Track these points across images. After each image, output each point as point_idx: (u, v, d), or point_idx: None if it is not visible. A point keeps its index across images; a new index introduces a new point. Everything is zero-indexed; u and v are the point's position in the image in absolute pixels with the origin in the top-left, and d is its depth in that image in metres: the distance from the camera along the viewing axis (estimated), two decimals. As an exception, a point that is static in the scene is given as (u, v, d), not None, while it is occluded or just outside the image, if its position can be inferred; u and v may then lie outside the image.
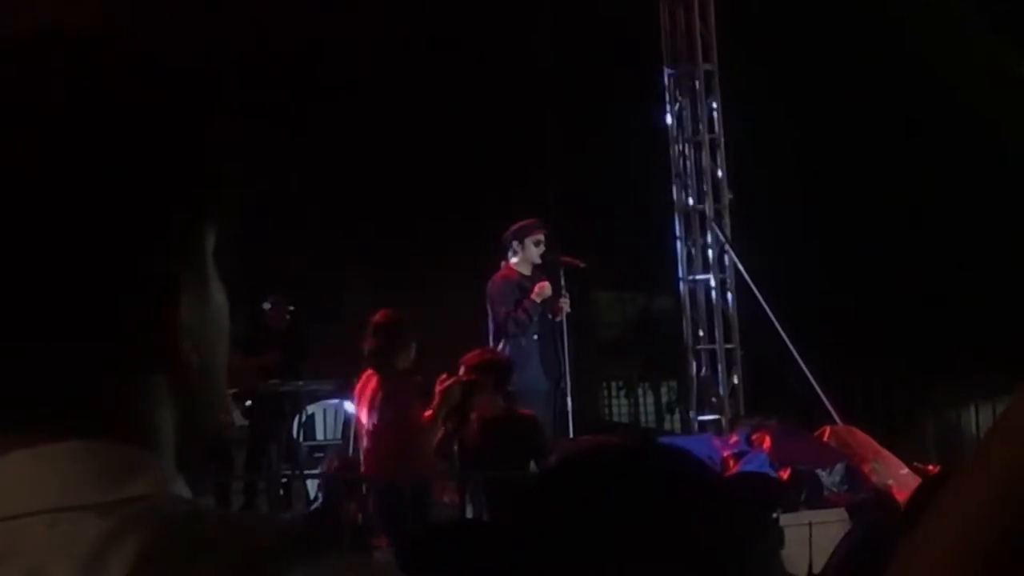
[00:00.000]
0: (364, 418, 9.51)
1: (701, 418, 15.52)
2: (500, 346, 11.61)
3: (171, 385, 1.24)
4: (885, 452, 13.55)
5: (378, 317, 9.66)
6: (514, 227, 12.04)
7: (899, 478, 13.23)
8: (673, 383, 18.72)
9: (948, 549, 1.21)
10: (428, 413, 9.33)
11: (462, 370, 9.80)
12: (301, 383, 13.57)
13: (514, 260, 11.94)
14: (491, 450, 9.39)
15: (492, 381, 9.76)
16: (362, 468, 9.78)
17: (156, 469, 1.19)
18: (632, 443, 1.64)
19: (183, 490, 1.21)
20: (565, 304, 12.11)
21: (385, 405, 9.30)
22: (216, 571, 1.11)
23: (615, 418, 19.96)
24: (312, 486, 12.95)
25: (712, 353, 15.65)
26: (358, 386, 9.66)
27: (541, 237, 11.98)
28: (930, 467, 14.12)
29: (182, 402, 1.25)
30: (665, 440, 13.86)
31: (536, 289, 11.73)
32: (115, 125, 1.19)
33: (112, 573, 1.11)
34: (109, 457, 1.17)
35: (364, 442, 9.63)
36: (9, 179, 1.16)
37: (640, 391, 20.32)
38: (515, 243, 11.95)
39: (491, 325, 11.87)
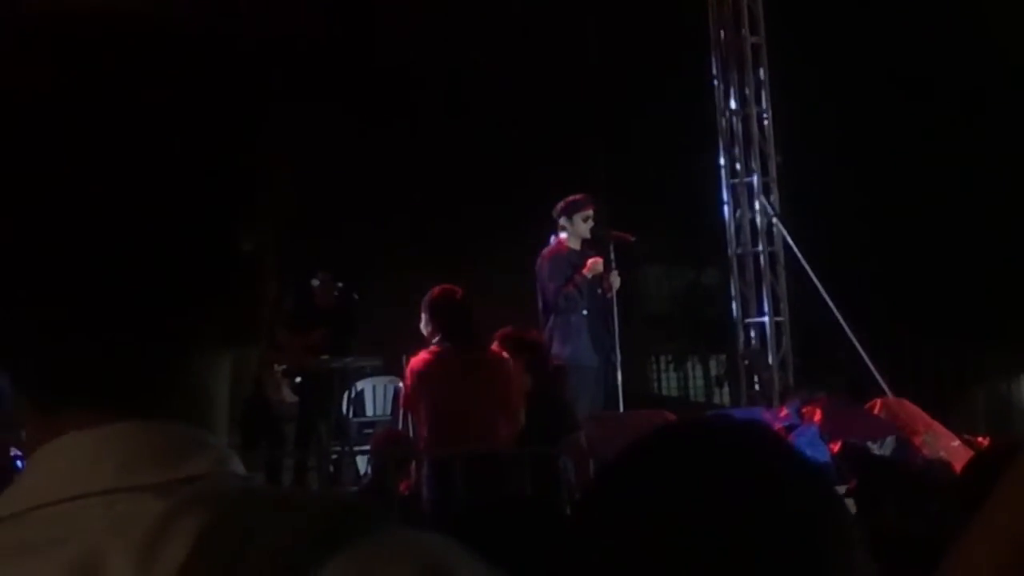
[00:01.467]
0: (424, 393, 9.41)
1: (751, 391, 15.50)
2: (550, 322, 11.60)
3: (233, 361, 1.25)
4: (936, 424, 13.49)
5: (438, 293, 9.59)
6: (563, 203, 12.01)
7: (950, 450, 13.17)
8: (722, 356, 18.66)
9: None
10: None
11: (495, 344, 9.79)
12: (350, 359, 13.59)
13: (564, 236, 11.92)
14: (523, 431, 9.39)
15: (524, 359, 9.73)
16: (421, 443, 9.72)
17: (213, 447, 1.19)
18: (703, 421, 1.56)
19: (239, 468, 1.21)
20: (615, 280, 12.08)
21: (454, 379, 9.25)
22: (274, 549, 1.11)
23: (664, 392, 19.91)
24: (362, 462, 12.99)
25: (761, 326, 15.61)
26: (414, 360, 9.58)
27: (590, 212, 11.95)
28: (980, 438, 14.07)
29: (239, 378, 1.26)
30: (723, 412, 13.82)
31: (588, 264, 11.70)
32: (208, 109, 1.20)
33: (170, 554, 1.10)
34: (166, 436, 1.18)
35: (423, 416, 9.55)
36: (106, 158, 1.16)
37: (689, 365, 20.28)
38: (564, 219, 11.93)
39: (540, 301, 11.85)
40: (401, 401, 9.85)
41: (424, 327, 9.62)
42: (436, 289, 9.65)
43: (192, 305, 1.19)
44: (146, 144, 1.16)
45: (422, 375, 9.37)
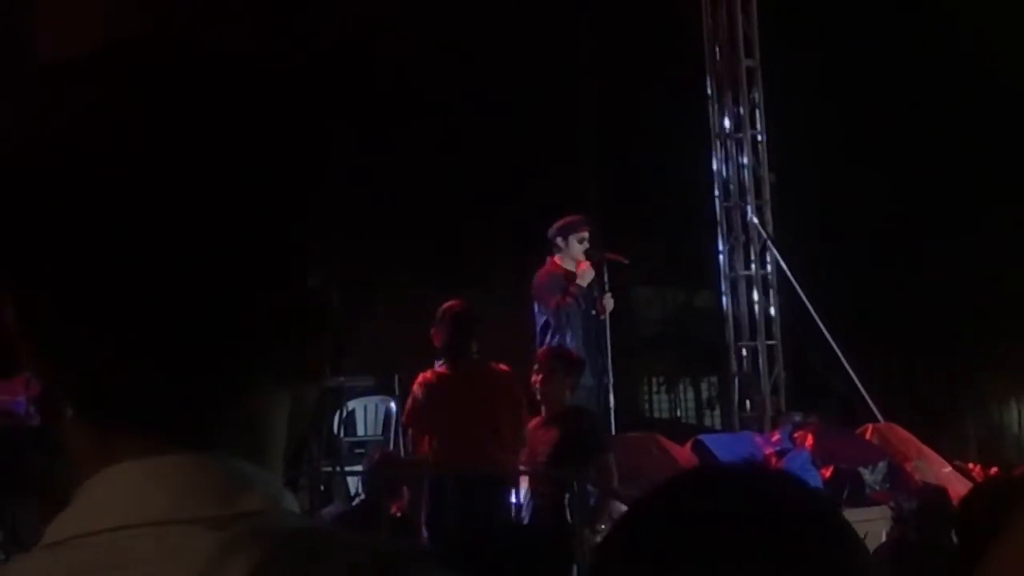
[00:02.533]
0: (433, 409, 9.39)
1: (742, 415, 15.50)
2: (546, 340, 11.57)
3: (292, 399, 1.24)
4: (927, 450, 13.52)
5: (453, 307, 9.58)
6: (558, 223, 12.00)
7: (942, 476, 13.18)
8: (714, 379, 18.68)
9: None
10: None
11: (539, 360, 9.84)
12: (342, 379, 13.56)
13: (559, 256, 11.91)
14: (557, 446, 9.39)
15: (572, 376, 9.77)
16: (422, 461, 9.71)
17: (267, 484, 1.19)
18: (737, 469, 1.56)
19: (293, 505, 1.21)
20: (609, 302, 12.09)
21: (471, 392, 9.25)
22: None
23: (655, 414, 19.94)
24: (353, 482, 12.96)
25: (753, 349, 15.62)
26: (422, 376, 9.56)
27: (586, 234, 11.93)
28: (971, 465, 14.09)
29: (296, 415, 1.25)
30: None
31: (579, 271, 11.70)
32: (276, 141, 1.20)
33: None
34: (222, 471, 1.17)
35: (426, 434, 9.54)
36: (183, 187, 1.15)
37: (680, 387, 20.30)
38: (559, 239, 11.91)
39: (537, 320, 11.83)
40: (404, 418, 9.82)
41: (436, 339, 9.60)
42: (448, 304, 9.62)
43: (256, 341, 1.18)
44: (221, 177, 1.16)
45: (428, 393, 9.36)
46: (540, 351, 10.16)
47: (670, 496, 1.55)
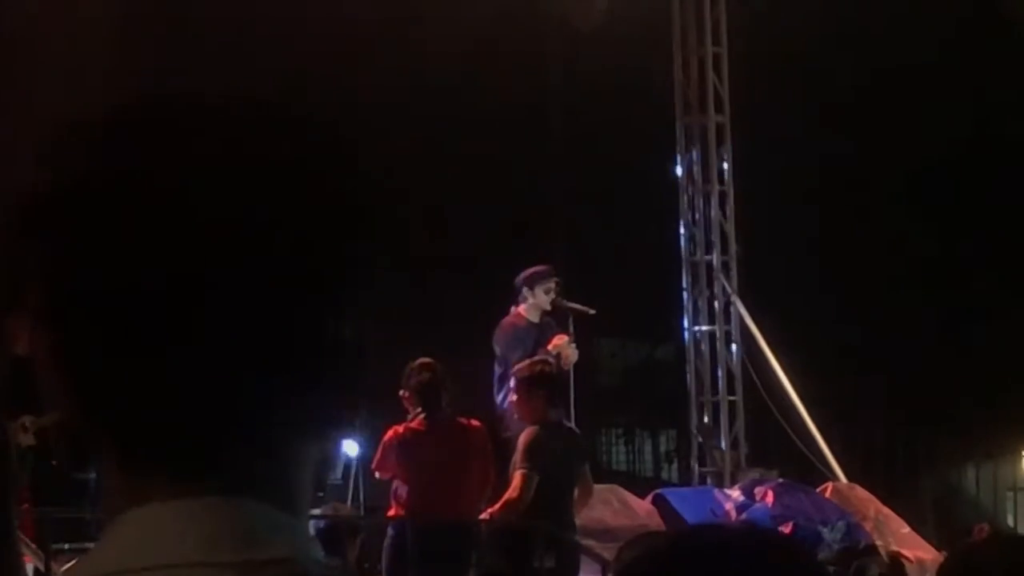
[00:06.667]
0: (408, 459, 9.53)
1: (702, 469, 15.50)
2: (503, 391, 11.51)
3: (318, 446, 1.24)
4: (887, 510, 13.55)
5: (424, 363, 9.74)
6: (525, 273, 11.97)
7: (900, 537, 13.22)
8: (672, 432, 18.72)
9: None
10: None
11: (512, 382, 9.95)
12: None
13: (523, 306, 11.87)
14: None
15: (546, 394, 9.83)
16: (394, 509, 9.79)
17: (295, 532, 1.19)
18: (722, 532, 1.55)
19: (319, 554, 1.21)
20: (573, 353, 12.04)
21: (445, 446, 9.37)
22: None
23: (613, 466, 19.94)
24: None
25: (715, 404, 15.63)
26: (393, 431, 9.67)
27: (552, 284, 11.91)
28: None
29: (321, 462, 1.26)
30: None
31: (554, 341, 11.65)
32: (324, 202, 1.21)
33: None
34: (251, 516, 1.17)
35: (401, 483, 9.65)
36: (249, 240, 1.16)
37: (639, 439, 20.32)
38: (526, 289, 11.88)
39: (496, 369, 11.78)
40: (374, 465, 9.90)
41: (404, 398, 9.74)
42: (416, 363, 9.76)
43: (291, 390, 1.19)
44: (263, 228, 1.17)
45: (402, 447, 9.52)
46: (516, 368, 10.20)
47: (674, 560, 1.53)
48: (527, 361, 10.24)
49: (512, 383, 10.81)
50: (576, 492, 9.79)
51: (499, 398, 11.44)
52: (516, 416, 10.23)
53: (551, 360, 10.82)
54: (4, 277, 1.21)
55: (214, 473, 1.17)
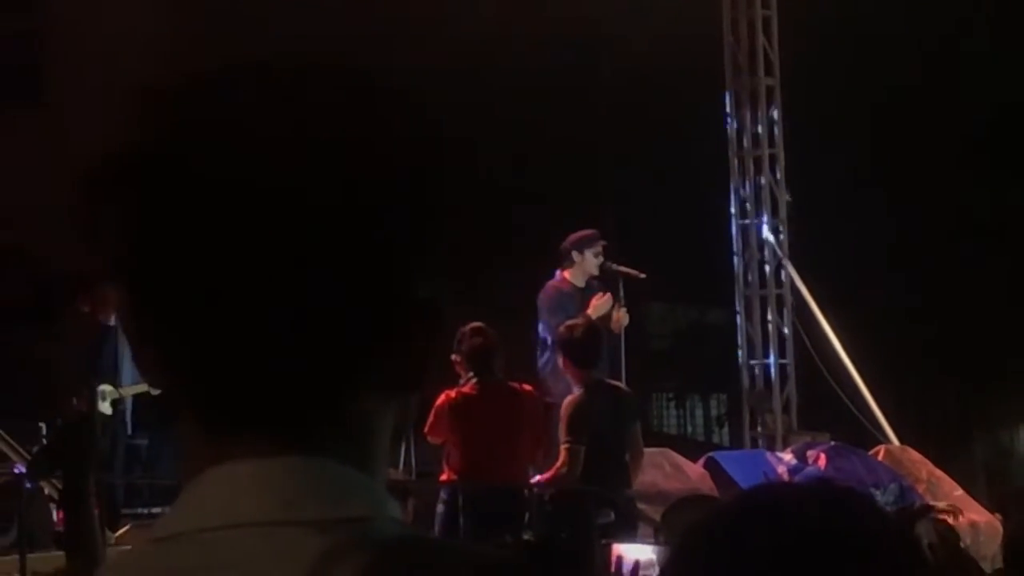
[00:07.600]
0: (460, 424, 9.55)
1: (753, 433, 15.48)
2: (545, 356, 11.47)
3: (396, 407, 1.25)
4: (939, 472, 13.48)
5: (476, 328, 9.72)
6: (573, 237, 11.93)
7: (953, 499, 13.15)
8: (723, 396, 18.67)
9: None
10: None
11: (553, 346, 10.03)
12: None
13: (570, 271, 11.82)
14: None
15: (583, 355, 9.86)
16: (446, 474, 9.81)
17: (373, 491, 1.20)
18: (808, 488, 1.54)
19: (396, 512, 1.22)
20: (624, 316, 11.99)
21: (497, 411, 9.45)
22: None
23: (664, 429, 19.92)
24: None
25: (765, 368, 15.59)
26: (446, 395, 9.67)
27: (600, 248, 11.88)
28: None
29: (400, 423, 1.26)
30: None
31: (592, 304, 11.59)
32: (399, 161, 1.22)
33: None
34: (329, 475, 1.18)
35: (453, 447, 9.67)
36: (333, 201, 1.18)
37: (689, 403, 20.28)
38: (574, 253, 11.84)
39: (540, 334, 11.74)
40: (426, 429, 9.91)
41: (456, 362, 9.73)
42: (468, 327, 9.74)
43: (368, 351, 1.20)
44: (339, 192, 1.18)
45: (453, 411, 9.53)
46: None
47: (744, 517, 1.53)
48: (566, 323, 10.22)
49: (552, 347, 10.84)
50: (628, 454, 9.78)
51: (541, 362, 11.44)
52: (558, 380, 10.24)
53: (592, 321, 10.78)
54: (88, 246, 1.21)
55: (295, 433, 1.18)
